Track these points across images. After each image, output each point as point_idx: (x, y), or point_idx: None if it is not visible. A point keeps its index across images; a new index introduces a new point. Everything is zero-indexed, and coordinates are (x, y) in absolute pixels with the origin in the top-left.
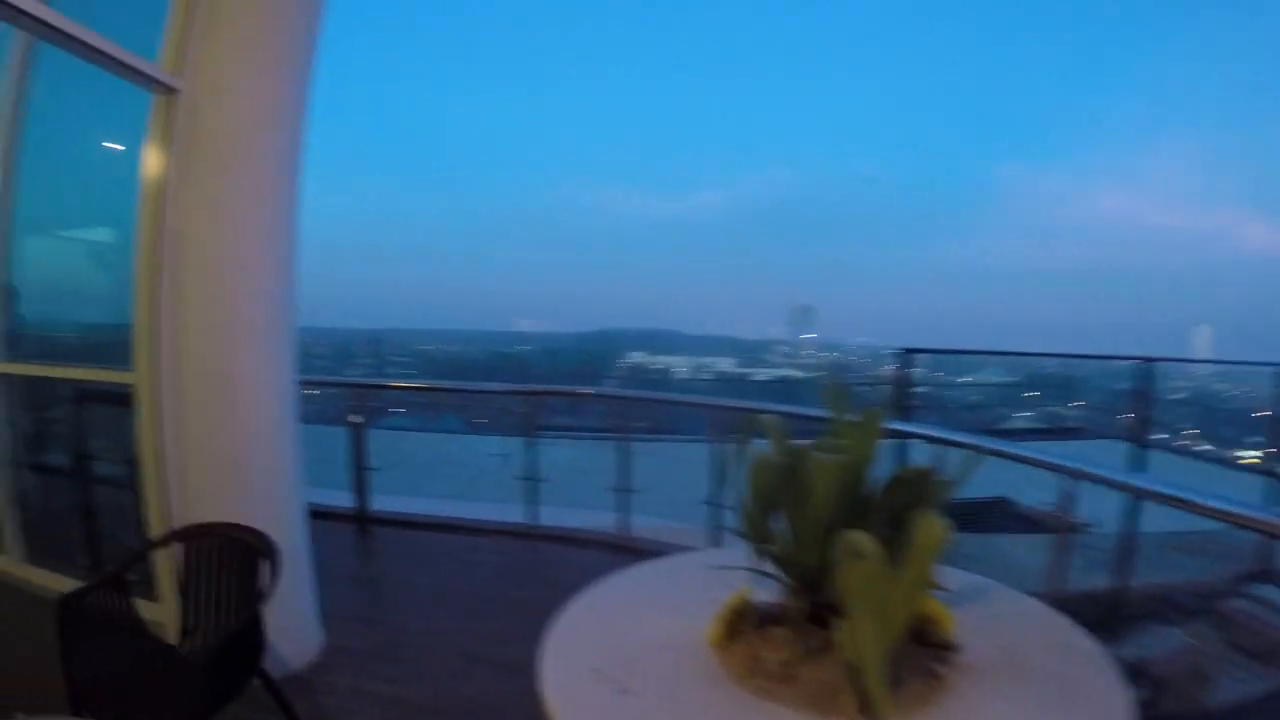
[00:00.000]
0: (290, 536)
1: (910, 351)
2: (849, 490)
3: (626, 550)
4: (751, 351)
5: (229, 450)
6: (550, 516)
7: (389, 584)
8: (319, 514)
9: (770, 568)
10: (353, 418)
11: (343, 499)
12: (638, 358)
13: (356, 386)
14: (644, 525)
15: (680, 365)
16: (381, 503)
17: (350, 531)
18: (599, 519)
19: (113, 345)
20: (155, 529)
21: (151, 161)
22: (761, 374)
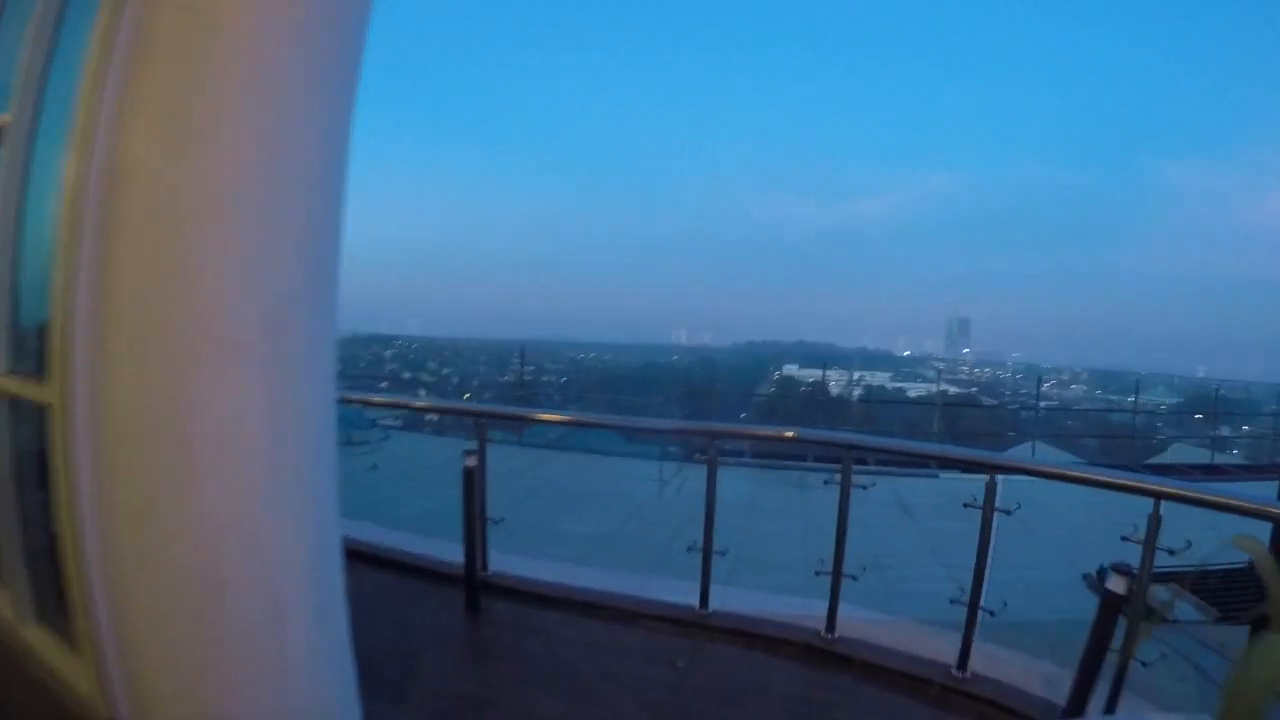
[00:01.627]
0: None
1: None
2: None
3: (832, 660)
4: (907, 366)
5: (185, 547)
6: (724, 596)
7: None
8: (418, 570)
9: None
10: (468, 460)
11: (453, 552)
12: (790, 370)
13: (475, 415)
14: (848, 617)
15: (834, 378)
16: (502, 563)
17: (453, 605)
18: (786, 603)
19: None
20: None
21: (88, 51)
22: (915, 389)
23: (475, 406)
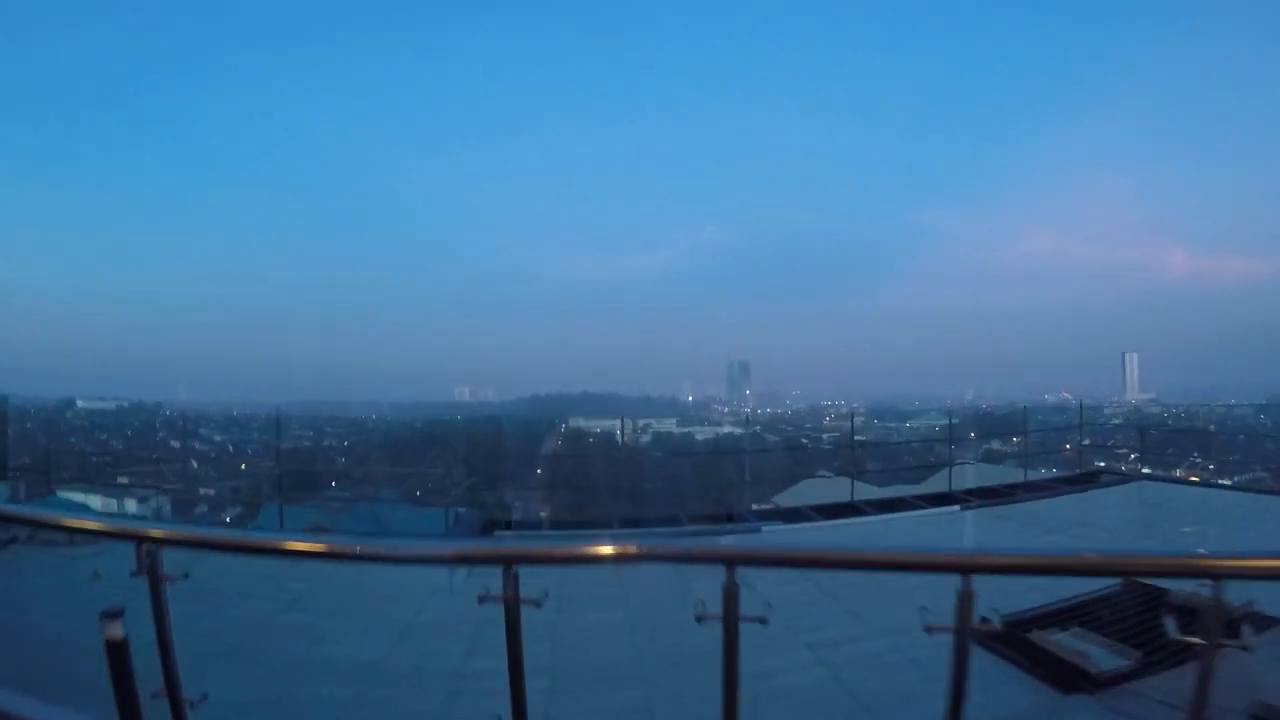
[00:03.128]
0: None
1: None
2: None
3: None
4: (692, 410)
5: None
6: None
7: None
8: None
9: None
10: (109, 628)
11: None
12: (578, 422)
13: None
14: None
15: (619, 428)
16: None
17: None
18: None
19: None
20: None
21: None
22: (702, 432)
23: (140, 527)
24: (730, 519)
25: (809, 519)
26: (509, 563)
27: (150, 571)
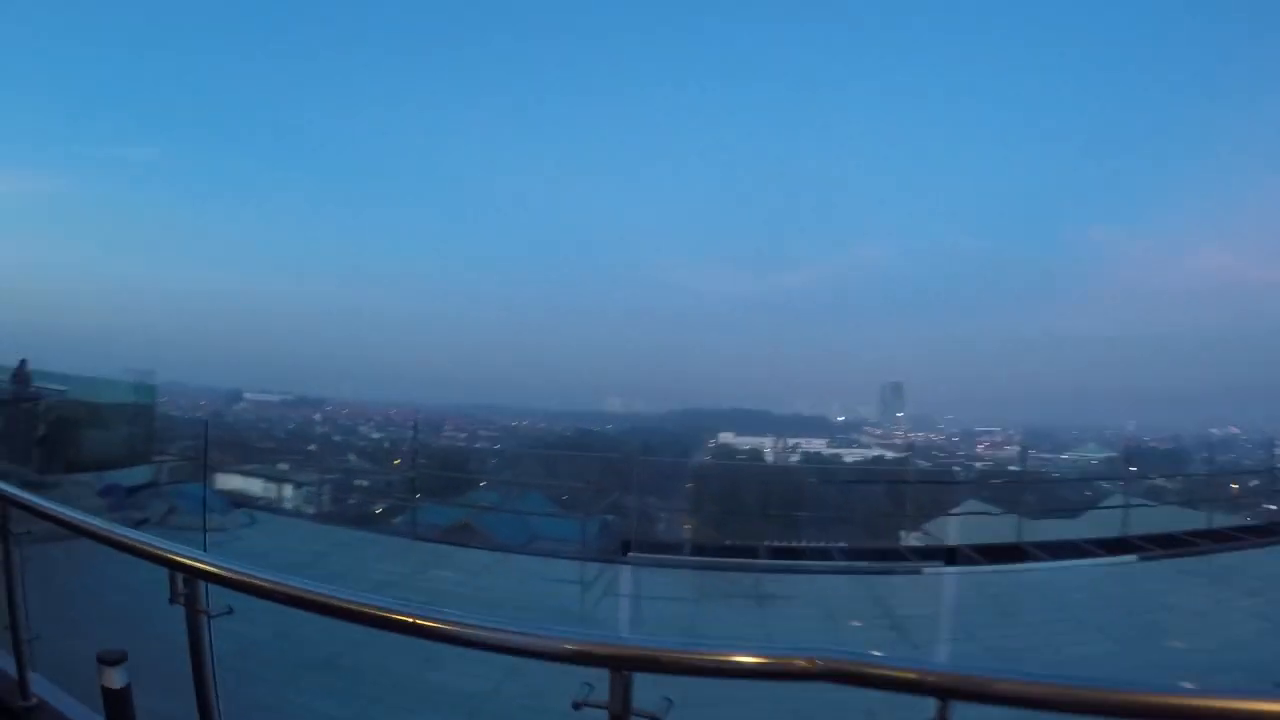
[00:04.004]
0: None
1: None
2: None
3: None
4: (842, 431)
5: None
6: None
7: None
8: None
9: None
10: None
11: None
12: (726, 437)
13: None
14: None
15: (768, 445)
16: None
17: None
18: None
19: None
20: None
21: None
22: (851, 454)
23: (178, 553)
24: (885, 555)
25: (972, 561)
26: (619, 667)
27: (188, 604)
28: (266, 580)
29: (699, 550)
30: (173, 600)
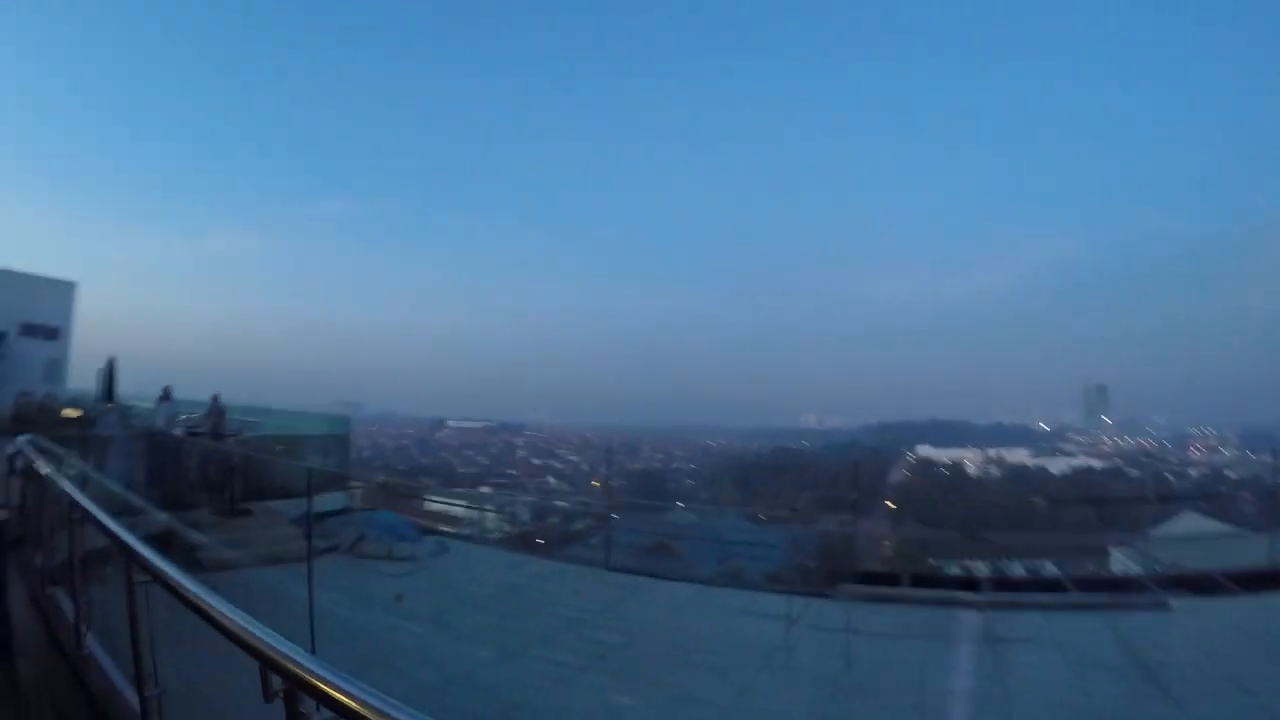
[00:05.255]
0: None
1: None
2: None
3: None
4: (1045, 440)
5: None
6: None
7: None
8: None
9: None
10: None
11: None
12: (926, 451)
13: None
14: None
15: (970, 458)
16: None
17: None
18: None
19: None
20: None
21: None
22: (1056, 464)
23: (279, 653)
24: (1125, 586)
25: (1226, 590)
26: None
27: (288, 702)
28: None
29: (918, 581)
30: (268, 698)
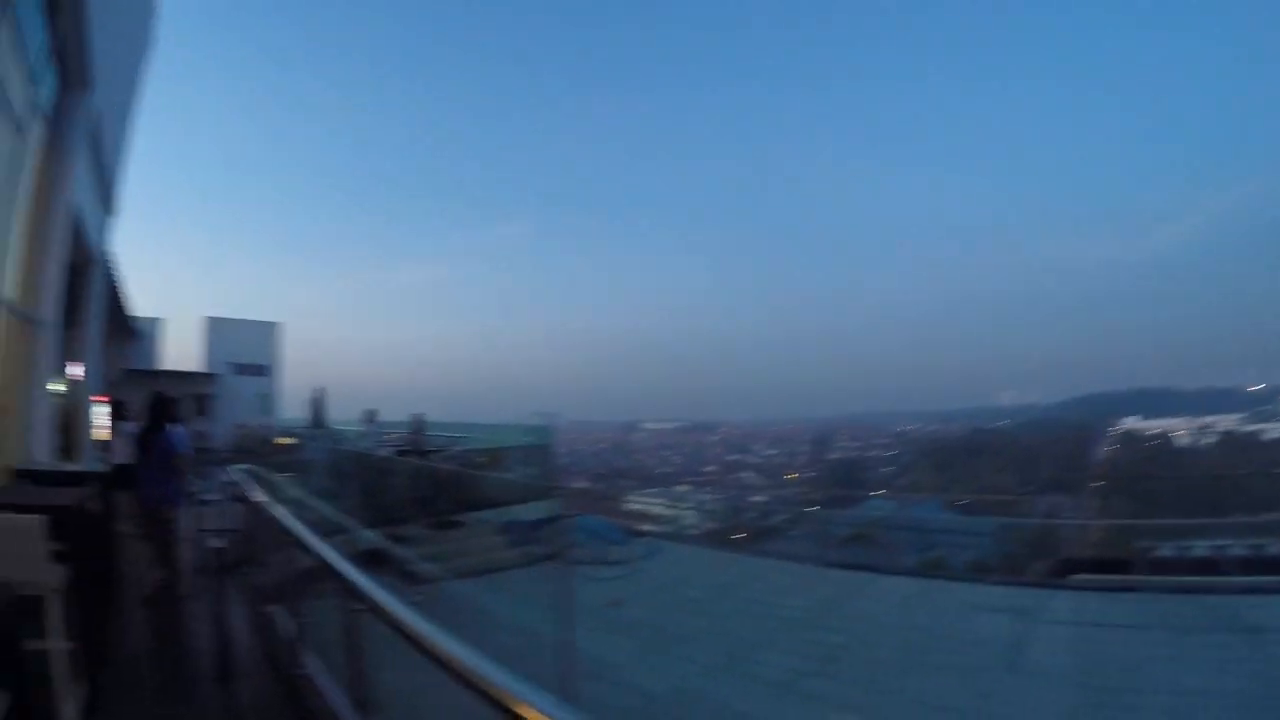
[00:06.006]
0: None
1: None
2: None
3: None
4: (1262, 403)
5: None
6: None
7: None
8: None
9: None
10: None
11: None
12: (1131, 423)
13: None
14: None
15: (1179, 428)
16: None
17: None
18: None
19: None
20: None
21: None
22: (1273, 430)
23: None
24: None
25: None
26: None
27: None
28: None
29: (1155, 567)
30: None
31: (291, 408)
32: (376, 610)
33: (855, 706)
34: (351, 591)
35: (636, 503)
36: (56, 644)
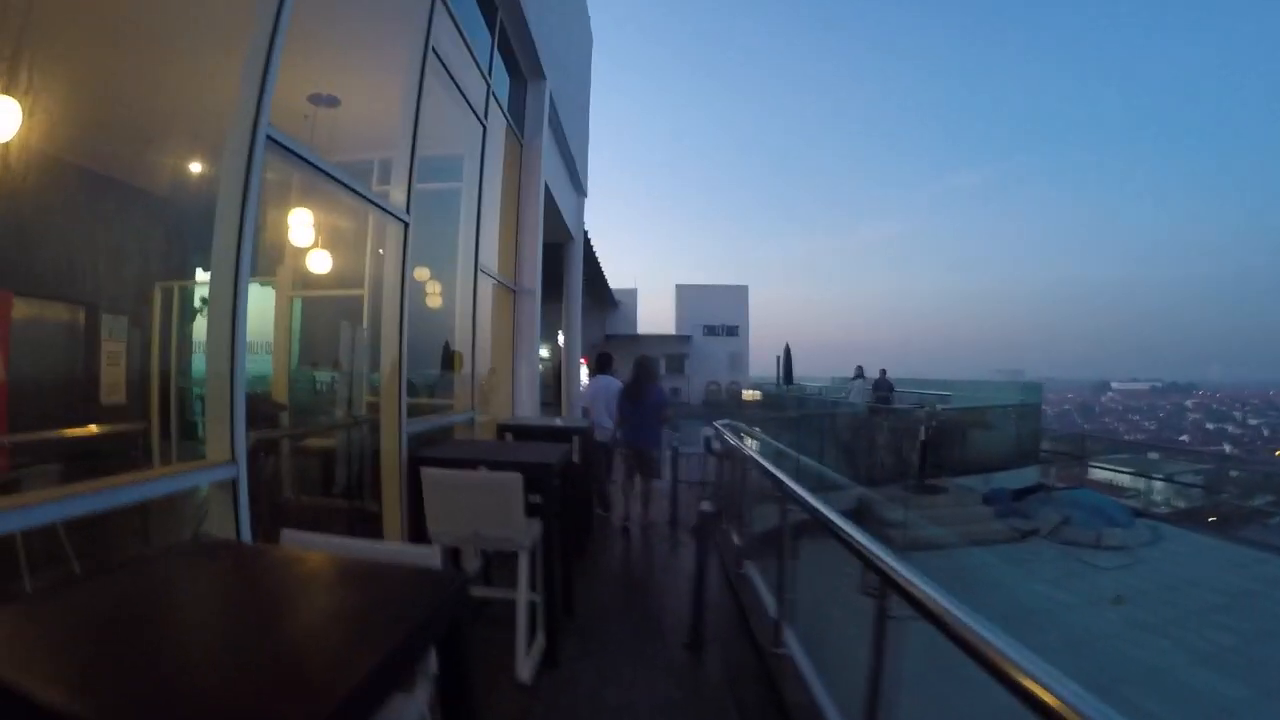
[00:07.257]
0: None
1: None
2: None
3: None
4: None
5: None
6: None
7: None
8: None
9: None
10: None
11: None
12: None
13: None
14: None
15: None
16: None
17: None
18: None
19: None
20: None
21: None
22: None
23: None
24: None
25: None
26: None
27: None
28: None
29: None
30: None
31: (758, 366)
32: (898, 588)
33: None
34: (870, 563)
35: (1102, 471)
36: (522, 595)
